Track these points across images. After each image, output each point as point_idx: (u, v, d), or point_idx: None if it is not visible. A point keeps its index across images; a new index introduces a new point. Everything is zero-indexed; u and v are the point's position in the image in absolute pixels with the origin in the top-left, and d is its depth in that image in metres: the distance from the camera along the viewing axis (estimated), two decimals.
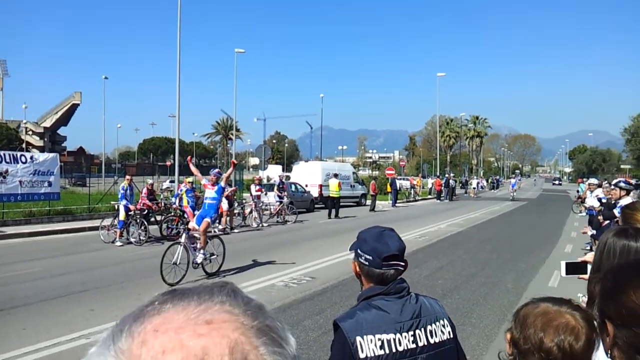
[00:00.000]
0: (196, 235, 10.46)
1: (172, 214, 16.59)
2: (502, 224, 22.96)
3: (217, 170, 11.70)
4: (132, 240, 14.94)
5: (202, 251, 10.30)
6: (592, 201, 14.62)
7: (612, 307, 1.26)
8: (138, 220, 15.11)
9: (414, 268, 11.17)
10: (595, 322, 1.43)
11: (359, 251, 2.11)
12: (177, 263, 9.83)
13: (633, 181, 19.20)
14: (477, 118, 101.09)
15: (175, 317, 0.52)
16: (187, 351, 0.49)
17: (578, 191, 27.31)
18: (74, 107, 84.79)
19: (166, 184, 27.30)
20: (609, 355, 1.29)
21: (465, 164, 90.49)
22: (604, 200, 12.50)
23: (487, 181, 74.25)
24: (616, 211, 8.79)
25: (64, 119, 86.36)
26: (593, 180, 16.99)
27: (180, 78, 24.04)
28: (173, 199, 17.42)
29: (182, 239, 10.22)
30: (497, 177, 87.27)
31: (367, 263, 2.07)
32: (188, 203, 16.05)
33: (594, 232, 8.96)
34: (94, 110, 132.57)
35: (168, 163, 62.50)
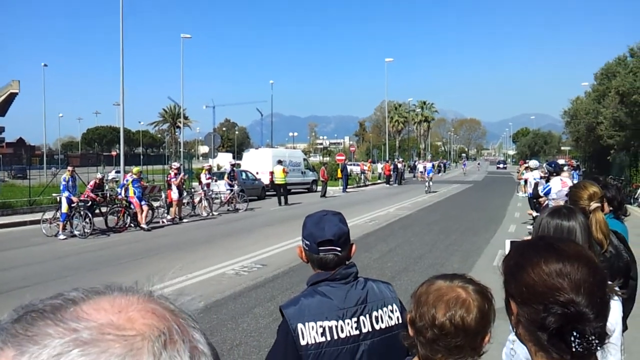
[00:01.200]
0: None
1: (118, 205, 16.14)
2: (448, 206, 23.55)
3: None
4: (76, 233, 14.49)
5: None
6: (531, 183, 15.16)
7: (513, 285, 1.27)
8: (82, 213, 14.65)
9: (365, 252, 11.34)
10: (489, 294, 1.45)
11: (302, 236, 2.11)
12: None
13: (564, 162, 20.09)
14: (424, 103, 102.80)
15: (118, 301, 0.52)
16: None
17: (519, 171, 28.25)
18: (12, 96, 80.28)
19: (112, 175, 26.48)
20: (515, 333, 1.30)
21: (413, 149, 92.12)
22: (537, 181, 12.95)
23: (434, 165, 75.97)
24: (540, 190, 9.21)
25: (1, 109, 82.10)
26: (532, 163, 17.55)
27: (123, 65, 23.28)
28: (118, 190, 16.95)
29: None
30: (445, 160, 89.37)
31: (307, 248, 2.07)
32: (134, 193, 15.70)
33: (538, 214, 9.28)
34: (34, 99, 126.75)
35: (113, 153, 60.78)
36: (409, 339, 1.52)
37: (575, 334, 1.13)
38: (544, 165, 8.88)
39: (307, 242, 2.06)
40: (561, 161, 20.88)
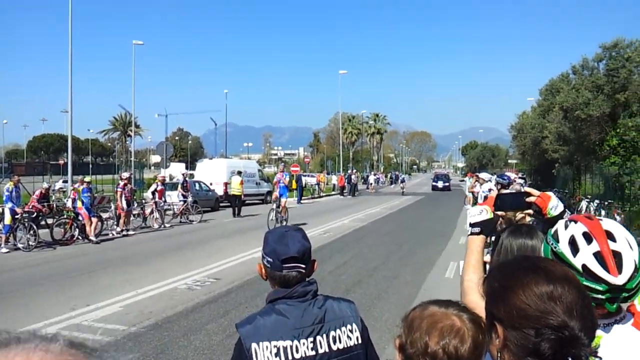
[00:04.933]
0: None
1: (65, 216, 15.58)
2: (400, 218, 23.90)
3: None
4: (20, 246, 13.88)
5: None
6: (481, 197, 15.54)
7: (502, 308, 1.21)
8: (26, 224, 14.07)
9: (319, 264, 11.32)
10: (482, 324, 1.37)
11: (262, 253, 2.05)
12: None
13: (514, 175, 20.74)
14: (377, 115, 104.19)
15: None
16: None
17: (463, 181, 28.86)
18: None
19: (59, 184, 25.56)
20: (498, 357, 1.24)
21: (367, 160, 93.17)
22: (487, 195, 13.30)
23: (386, 176, 77.08)
24: None
25: None
26: (484, 175, 17.91)
27: (72, 70, 22.65)
28: (65, 200, 16.37)
29: None
30: (397, 172, 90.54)
31: (268, 265, 2.01)
32: (83, 203, 15.20)
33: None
34: None
35: (61, 162, 58.77)
36: None
37: (570, 359, 1.10)
38: (495, 177, 9.14)
39: (269, 259, 2.00)
40: (508, 174, 21.48)
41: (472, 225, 2.13)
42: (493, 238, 2.37)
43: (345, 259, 12.65)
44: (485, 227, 2.11)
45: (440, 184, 54.97)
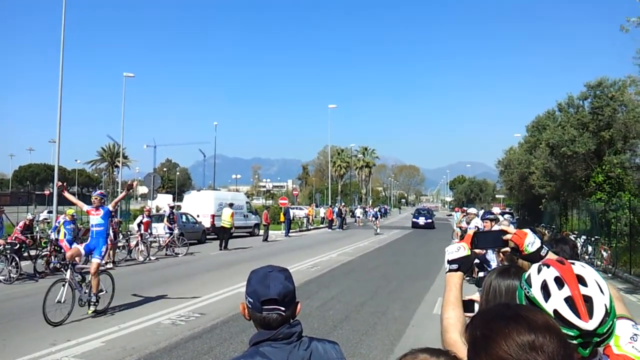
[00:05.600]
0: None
1: (49, 248, 15.32)
2: (389, 252, 23.80)
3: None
4: (1, 278, 13.58)
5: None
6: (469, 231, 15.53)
7: (484, 358, 1.21)
8: (8, 256, 13.80)
9: (306, 299, 11.20)
10: None
11: (245, 292, 2.01)
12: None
13: (498, 210, 20.76)
14: (365, 149, 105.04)
15: None
16: None
17: (451, 215, 28.86)
18: None
19: (43, 215, 25.19)
20: None
21: (355, 193, 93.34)
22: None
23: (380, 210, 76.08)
24: None
25: None
26: (472, 210, 17.91)
27: (62, 100, 22.62)
28: (50, 232, 16.12)
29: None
30: (385, 206, 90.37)
31: (250, 305, 1.97)
32: (65, 236, 14.95)
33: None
34: None
35: (46, 192, 58.15)
36: None
37: None
38: (481, 217, 9.15)
39: (250, 300, 1.96)
40: (496, 209, 21.52)
41: (450, 262, 2.13)
42: (481, 274, 2.38)
43: (333, 293, 12.50)
44: (463, 264, 2.12)
45: (421, 221, 46.85)
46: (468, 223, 15.81)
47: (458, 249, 2.14)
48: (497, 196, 63.42)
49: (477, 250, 2.22)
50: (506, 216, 11.73)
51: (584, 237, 20.69)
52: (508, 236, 2.09)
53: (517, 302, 1.53)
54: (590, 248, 19.45)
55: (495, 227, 9.34)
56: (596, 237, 20.26)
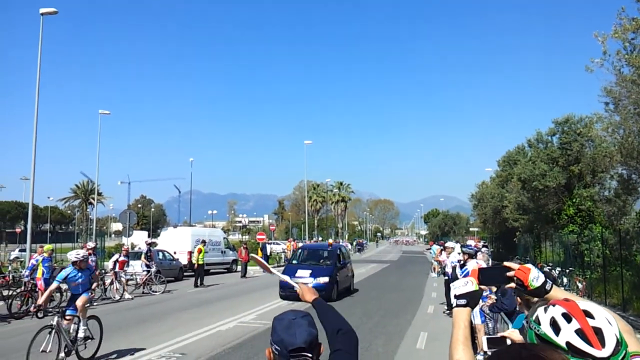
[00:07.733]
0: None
1: (23, 288, 14.94)
2: (368, 287, 23.75)
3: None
4: None
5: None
6: (449, 266, 15.66)
7: None
8: None
9: None
10: None
11: (271, 339, 2.10)
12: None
13: (479, 243, 21.05)
14: (341, 184, 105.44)
15: None
16: None
17: (428, 250, 29.00)
18: None
19: (14, 253, 24.62)
20: None
21: (332, 228, 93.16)
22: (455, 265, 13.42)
23: (351, 244, 74.34)
24: (459, 273, 9.57)
25: None
26: (450, 244, 18.03)
27: (37, 137, 22.40)
28: (24, 271, 15.74)
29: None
30: (362, 240, 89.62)
31: (277, 352, 2.06)
32: (43, 274, 14.63)
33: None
34: None
35: (18, 230, 56.84)
36: None
37: None
38: (460, 247, 9.30)
39: (277, 348, 2.05)
40: (470, 242, 21.80)
41: (457, 297, 2.08)
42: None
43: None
44: (471, 299, 2.07)
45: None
46: (447, 256, 16.00)
47: (466, 284, 2.10)
48: (471, 229, 64.06)
49: (482, 287, 2.18)
50: (483, 249, 11.92)
51: (558, 268, 21.07)
52: (512, 273, 2.08)
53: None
54: (565, 280, 19.78)
55: (473, 261, 9.54)
56: (570, 268, 20.66)
